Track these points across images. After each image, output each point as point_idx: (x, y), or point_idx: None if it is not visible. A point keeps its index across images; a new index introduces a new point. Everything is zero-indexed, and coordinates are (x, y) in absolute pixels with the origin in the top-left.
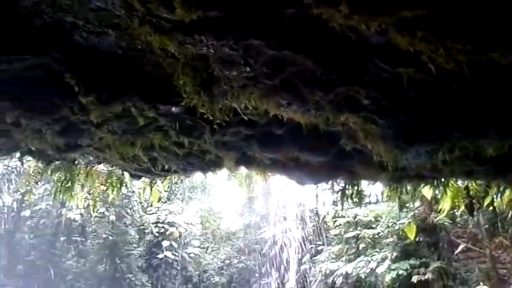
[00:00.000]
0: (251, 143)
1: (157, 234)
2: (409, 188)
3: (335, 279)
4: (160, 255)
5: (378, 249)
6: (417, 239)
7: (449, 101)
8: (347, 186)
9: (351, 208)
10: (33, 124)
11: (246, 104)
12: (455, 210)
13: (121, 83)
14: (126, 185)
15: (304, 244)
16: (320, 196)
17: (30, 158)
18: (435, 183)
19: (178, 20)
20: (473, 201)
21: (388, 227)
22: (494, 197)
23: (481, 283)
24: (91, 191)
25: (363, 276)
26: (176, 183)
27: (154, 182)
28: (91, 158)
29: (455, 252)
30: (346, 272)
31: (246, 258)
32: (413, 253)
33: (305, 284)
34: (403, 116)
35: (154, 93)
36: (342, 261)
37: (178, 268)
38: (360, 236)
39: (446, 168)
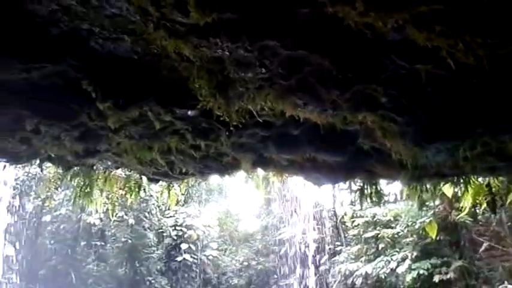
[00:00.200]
0: (267, 145)
1: (175, 237)
2: (428, 186)
3: (355, 279)
4: (179, 258)
5: (397, 249)
6: (438, 238)
7: (469, 97)
8: (365, 186)
9: (369, 208)
10: (52, 131)
11: (262, 105)
12: (476, 208)
13: (137, 88)
14: (144, 189)
15: (323, 245)
16: (337, 196)
17: (49, 164)
18: (456, 180)
19: (192, 24)
20: (496, 198)
21: (407, 226)
22: None
23: (505, 282)
24: (110, 196)
25: (383, 277)
26: (193, 186)
27: (171, 185)
28: (109, 163)
29: (479, 250)
30: (366, 273)
31: (264, 260)
32: (434, 252)
33: (325, 284)
34: (422, 113)
35: (171, 97)
36: (362, 261)
37: (197, 271)
38: (379, 235)
39: (467, 165)
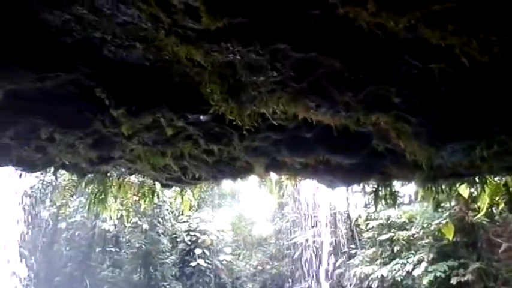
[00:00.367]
0: (280, 148)
1: (189, 243)
2: (444, 187)
3: (370, 283)
4: (193, 263)
5: (413, 251)
6: (454, 240)
7: (485, 95)
8: (380, 188)
9: (384, 210)
10: (66, 139)
11: (275, 108)
12: (493, 208)
13: (150, 94)
14: (157, 195)
15: (337, 248)
16: (351, 199)
17: (64, 171)
18: (472, 180)
19: (204, 29)
20: None
21: (423, 228)
22: None
23: None
24: (124, 202)
25: (399, 280)
26: (206, 191)
27: (185, 190)
28: (123, 170)
29: (499, 251)
30: (382, 276)
31: (278, 264)
32: (451, 254)
33: None
34: (437, 113)
35: (183, 102)
36: (377, 264)
37: (212, 275)
38: (394, 238)
39: (484, 165)
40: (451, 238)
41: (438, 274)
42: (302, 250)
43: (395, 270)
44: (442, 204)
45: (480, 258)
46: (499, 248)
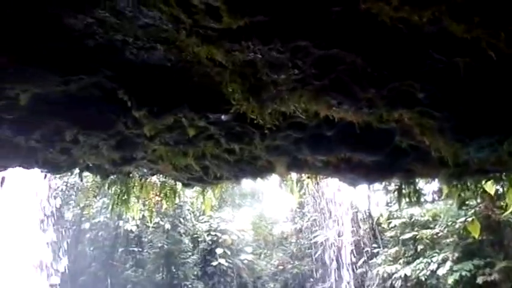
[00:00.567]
0: (301, 146)
1: (210, 242)
2: (470, 184)
3: (393, 282)
4: (215, 263)
5: (437, 250)
6: (480, 238)
7: None
8: (403, 185)
9: (406, 208)
10: (90, 140)
11: (296, 106)
12: None
13: (171, 95)
14: (178, 195)
15: (359, 247)
16: (372, 197)
17: (88, 173)
18: (499, 177)
19: (224, 29)
20: None
21: (447, 226)
22: None
23: None
24: (146, 203)
25: (423, 279)
26: (227, 190)
27: (206, 190)
28: (145, 170)
29: None
30: (405, 275)
31: (299, 263)
32: (477, 253)
33: (362, 287)
34: (463, 108)
35: (204, 102)
36: (400, 263)
37: (233, 275)
38: (417, 237)
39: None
40: (476, 236)
41: (463, 273)
42: (323, 249)
43: (419, 269)
44: (467, 202)
45: (507, 256)
46: None
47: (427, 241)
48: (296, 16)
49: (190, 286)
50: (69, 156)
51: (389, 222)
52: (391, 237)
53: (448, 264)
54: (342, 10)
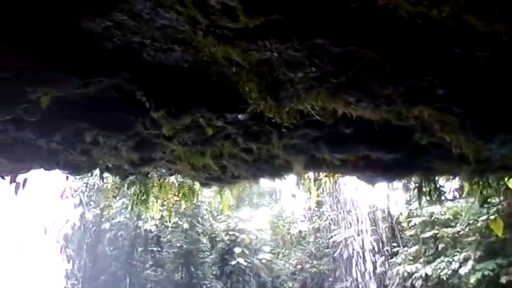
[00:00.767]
0: (319, 145)
1: (228, 242)
2: (492, 180)
3: (414, 281)
4: (233, 262)
5: (459, 249)
6: (503, 236)
7: None
8: (423, 183)
9: (426, 206)
10: (110, 142)
11: (313, 105)
12: None
13: (188, 95)
14: (197, 195)
15: (378, 246)
16: (391, 196)
17: (107, 174)
18: None
19: (241, 28)
20: None
21: (468, 224)
22: None
23: None
24: (165, 202)
25: (444, 278)
26: (244, 190)
27: (224, 190)
28: (163, 171)
29: None
30: (426, 274)
31: (318, 263)
32: (500, 252)
33: (382, 287)
34: (484, 103)
35: (221, 102)
36: (420, 262)
37: (251, 274)
38: (438, 235)
39: None
40: (499, 235)
41: (486, 272)
42: (342, 248)
43: (440, 268)
44: (489, 200)
45: None
46: None
47: (448, 240)
48: (313, 14)
49: (209, 285)
50: (89, 158)
51: (409, 221)
52: (411, 236)
53: (470, 263)
54: (359, 6)
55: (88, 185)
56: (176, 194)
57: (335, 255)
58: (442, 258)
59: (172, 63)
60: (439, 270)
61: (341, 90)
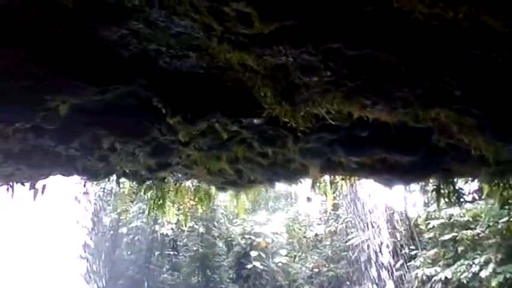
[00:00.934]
0: (335, 148)
1: (244, 245)
2: None
3: (433, 285)
4: (249, 266)
5: (479, 252)
6: None
7: None
8: (441, 185)
9: (445, 209)
10: (127, 148)
11: (329, 108)
12: None
13: (204, 101)
14: (213, 199)
15: (396, 249)
16: (408, 198)
17: (124, 179)
18: None
19: (255, 34)
20: None
21: (489, 226)
22: None
23: None
24: (181, 207)
25: (464, 282)
26: (260, 194)
27: (239, 194)
28: (179, 175)
29: None
30: (446, 278)
31: (335, 266)
32: None
33: None
34: (503, 104)
35: (236, 107)
36: (440, 266)
37: (268, 278)
38: (457, 238)
39: None
40: None
41: (508, 275)
42: (359, 252)
43: (460, 271)
44: (510, 201)
45: None
46: None
47: (468, 242)
48: (327, 18)
49: None
50: (107, 163)
51: (428, 223)
52: (430, 238)
53: (491, 266)
54: (373, 9)
55: (105, 190)
56: (192, 198)
57: (352, 258)
58: (462, 261)
59: (187, 70)
60: (459, 274)
61: (356, 93)
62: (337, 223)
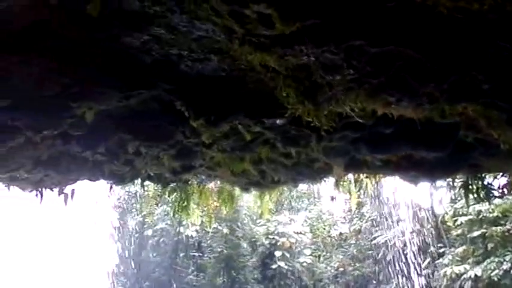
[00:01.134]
0: (359, 146)
1: (268, 246)
2: None
3: (463, 283)
4: (274, 266)
5: (510, 248)
6: None
7: None
8: (470, 181)
9: (472, 205)
10: (151, 152)
11: (352, 106)
12: None
13: (226, 103)
14: (236, 200)
15: (423, 247)
16: (435, 195)
17: (149, 182)
18: None
19: (277, 35)
20: None
21: None
22: None
23: None
24: (205, 208)
25: (495, 279)
26: (283, 193)
27: (263, 194)
28: (203, 177)
29: None
30: (475, 275)
31: (360, 265)
32: None
33: None
34: None
35: (259, 108)
36: (469, 263)
37: (293, 278)
38: (486, 234)
39: None
40: None
41: None
42: (385, 250)
43: (490, 269)
44: None
45: None
46: None
47: (498, 239)
48: (349, 16)
49: None
50: (132, 167)
51: (455, 220)
52: (458, 235)
53: None
54: (396, 5)
55: (130, 193)
56: (216, 199)
57: (378, 257)
58: (492, 258)
59: (209, 73)
60: (489, 271)
61: (380, 90)
62: (362, 221)
